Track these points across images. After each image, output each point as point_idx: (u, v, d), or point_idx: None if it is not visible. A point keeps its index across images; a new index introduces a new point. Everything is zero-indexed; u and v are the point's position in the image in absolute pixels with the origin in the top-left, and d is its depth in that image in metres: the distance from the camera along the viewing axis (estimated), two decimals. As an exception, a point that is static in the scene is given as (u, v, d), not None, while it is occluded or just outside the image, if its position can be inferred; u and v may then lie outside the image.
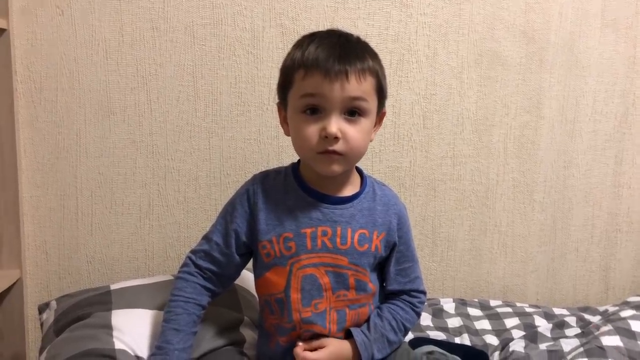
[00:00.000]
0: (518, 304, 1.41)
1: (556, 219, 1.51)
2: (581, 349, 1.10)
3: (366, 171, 1.05)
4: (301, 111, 0.92)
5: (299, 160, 1.02)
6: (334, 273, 0.96)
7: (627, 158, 1.50)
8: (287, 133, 0.99)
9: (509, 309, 1.36)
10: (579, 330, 1.25)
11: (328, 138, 0.89)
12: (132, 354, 0.98)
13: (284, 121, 1.00)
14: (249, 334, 1.10)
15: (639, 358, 1.07)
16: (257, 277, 1.00)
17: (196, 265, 0.99)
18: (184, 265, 1.01)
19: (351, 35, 0.97)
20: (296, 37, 1.32)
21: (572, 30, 1.43)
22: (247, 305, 1.17)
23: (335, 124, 0.89)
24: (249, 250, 1.01)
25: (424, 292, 1.07)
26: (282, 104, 0.99)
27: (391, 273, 1.03)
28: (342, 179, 0.99)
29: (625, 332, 1.13)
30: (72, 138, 1.32)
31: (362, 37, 0.98)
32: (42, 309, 1.20)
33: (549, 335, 1.24)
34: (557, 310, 1.38)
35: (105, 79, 1.31)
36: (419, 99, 1.41)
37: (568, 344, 1.15)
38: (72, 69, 1.30)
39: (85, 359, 0.93)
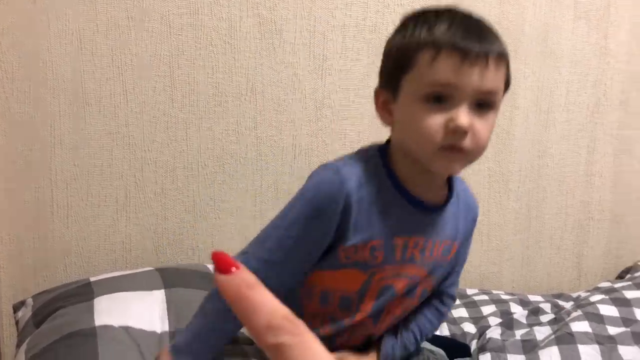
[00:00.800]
0: (494, 292, 1.43)
1: (531, 208, 1.54)
2: (553, 337, 1.13)
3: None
4: (423, 99, 0.77)
5: (385, 145, 0.88)
6: (410, 284, 0.87)
7: (599, 147, 1.54)
8: (386, 122, 0.85)
9: (486, 297, 1.39)
10: (553, 316, 1.28)
11: (457, 132, 0.76)
12: (117, 326, 0.96)
13: (382, 108, 0.85)
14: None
15: (606, 342, 1.10)
16: (321, 269, 0.85)
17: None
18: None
19: (475, 14, 0.82)
20: (273, 27, 1.34)
21: (546, 21, 1.45)
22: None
23: (466, 116, 0.76)
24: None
25: (454, 299, 1.00)
26: (388, 87, 0.83)
27: (451, 277, 0.95)
28: (441, 177, 0.87)
29: (594, 317, 1.17)
30: (46, 129, 1.30)
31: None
32: (18, 307, 1.18)
33: (524, 321, 1.27)
34: (532, 297, 1.41)
35: (79, 69, 1.29)
36: (396, 89, 1.42)
37: (541, 332, 1.18)
38: (45, 59, 1.28)
39: (65, 341, 0.92)
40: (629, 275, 1.45)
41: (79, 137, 1.31)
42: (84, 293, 1.08)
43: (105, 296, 1.06)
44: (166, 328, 1.02)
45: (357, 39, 1.38)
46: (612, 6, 1.45)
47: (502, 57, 0.78)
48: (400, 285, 0.86)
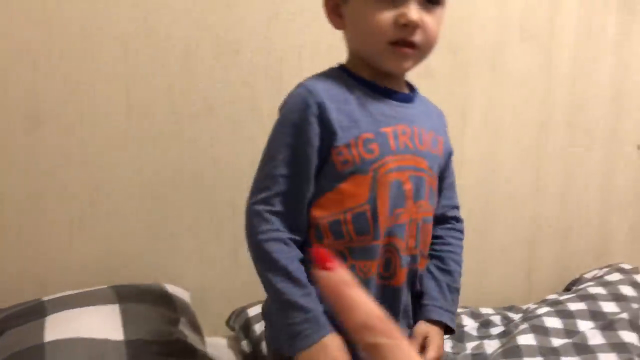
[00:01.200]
0: (447, 305, 1.47)
1: (482, 223, 1.59)
2: (500, 350, 1.17)
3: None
4: None
5: (340, 65, 0.91)
6: (416, 178, 0.84)
7: (547, 164, 1.60)
8: (338, 26, 0.87)
9: (439, 310, 1.42)
10: (502, 329, 1.32)
11: (408, 26, 0.78)
12: (67, 338, 0.96)
13: (332, 12, 0.87)
14: (190, 335, 1.11)
15: (550, 354, 1.14)
16: (323, 193, 0.82)
17: (275, 214, 0.80)
18: (263, 221, 0.81)
19: None
20: (230, 48, 1.36)
21: (494, 42, 1.51)
22: (182, 307, 1.17)
23: (417, 11, 0.78)
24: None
25: (462, 220, 0.98)
26: None
27: (444, 188, 0.93)
28: (400, 79, 0.88)
29: (540, 329, 1.21)
30: (-2, 149, 1.29)
31: None
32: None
33: (475, 334, 1.30)
34: (484, 310, 1.45)
35: (33, 89, 1.29)
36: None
37: (490, 346, 1.22)
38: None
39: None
40: (574, 288, 1.51)
41: (32, 157, 1.30)
42: (35, 312, 1.07)
43: (57, 314, 1.06)
44: (121, 337, 1.01)
45: (313, 60, 1.41)
46: (557, 29, 1.52)
47: None
48: (406, 180, 0.83)
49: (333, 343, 0.76)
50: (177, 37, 1.34)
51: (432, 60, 1.46)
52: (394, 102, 0.85)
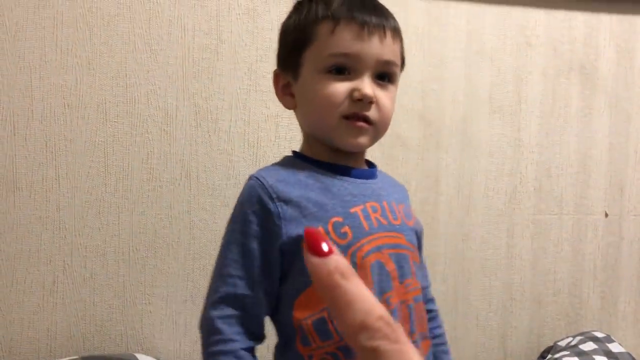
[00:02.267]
0: (423, 373, 1.45)
1: (456, 290, 1.60)
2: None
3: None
4: (325, 71, 0.77)
5: (293, 152, 0.88)
6: (397, 256, 0.78)
7: (518, 231, 1.63)
8: (289, 106, 0.86)
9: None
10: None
11: (362, 101, 0.76)
12: None
13: (282, 92, 0.85)
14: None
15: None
16: (301, 291, 0.76)
17: (227, 318, 0.75)
18: (212, 332, 0.76)
19: None
20: (210, 116, 1.39)
21: (465, 114, 1.57)
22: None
23: (371, 86, 0.77)
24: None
25: (434, 300, 0.95)
26: (287, 69, 0.84)
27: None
28: (359, 156, 0.85)
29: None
30: (-28, 214, 1.28)
31: None
32: None
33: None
34: (460, 378, 1.44)
35: (11, 153, 1.30)
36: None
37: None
38: (-24, 144, 1.28)
39: None
40: (549, 356, 1.51)
41: (6, 222, 1.30)
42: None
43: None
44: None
45: (290, 128, 1.44)
46: (523, 102, 1.59)
47: (397, 32, 0.81)
48: (387, 260, 0.77)
49: None
50: (157, 106, 1.37)
51: (406, 130, 1.52)
52: (358, 180, 0.81)
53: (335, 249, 0.29)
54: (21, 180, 1.30)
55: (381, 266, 0.76)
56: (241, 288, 0.76)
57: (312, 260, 0.29)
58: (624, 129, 1.67)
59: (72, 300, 1.34)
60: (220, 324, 0.75)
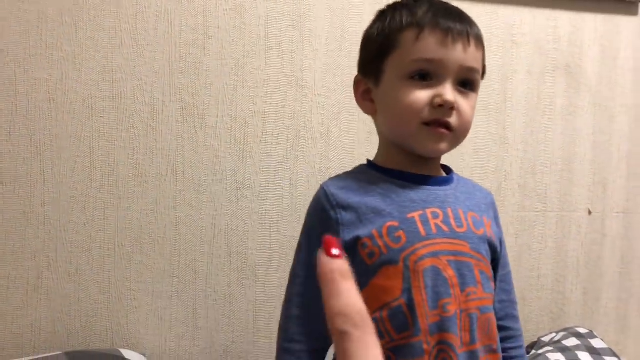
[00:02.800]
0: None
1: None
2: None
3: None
4: (409, 77, 0.79)
5: (368, 161, 0.89)
6: (457, 263, 0.77)
7: (503, 228, 1.64)
8: (368, 111, 0.87)
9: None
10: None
11: (443, 107, 0.77)
12: None
13: (362, 98, 0.87)
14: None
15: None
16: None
17: (292, 319, 0.80)
18: (280, 329, 0.82)
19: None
20: (196, 112, 1.39)
21: (451, 112, 1.58)
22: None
23: (452, 93, 0.77)
24: None
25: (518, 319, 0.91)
26: (369, 75, 0.85)
27: (498, 277, 0.87)
28: (435, 164, 0.86)
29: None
30: (-45, 209, 1.27)
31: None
32: None
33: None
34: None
35: (-5, 148, 1.29)
36: (315, 172, 1.49)
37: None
38: (-41, 138, 1.27)
39: None
40: (533, 352, 1.53)
41: (-10, 217, 1.29)
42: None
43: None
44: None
45: (277, 125, 1.45)
46: (509, 100, 1.60)
47: (480, 40, 0.81)
48: (445, 266, 0.76)
49: None
50: (143, 102, 1.36)
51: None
52: (425, 187, 0.81)
53: (343, 255, 0.36)
54: (5, 175, 1.29)
55: (437, 272, 0.76)
56: (306, 289, 0.81)
57: (322, 258, 0.35)
58: (608, 127, 1.69)
59: (56, 295, 1.34)
60: (286, 323, 0.81)
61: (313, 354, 0.81)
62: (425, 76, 0.78)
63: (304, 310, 0.81)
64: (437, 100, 0.77)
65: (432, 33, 0.77)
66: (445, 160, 0.88)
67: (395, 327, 0.75)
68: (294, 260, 0.84)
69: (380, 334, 0.75)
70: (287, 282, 0.87)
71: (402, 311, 0.75)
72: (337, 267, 0.35)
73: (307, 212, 0.85)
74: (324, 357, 0.84)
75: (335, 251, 0.35)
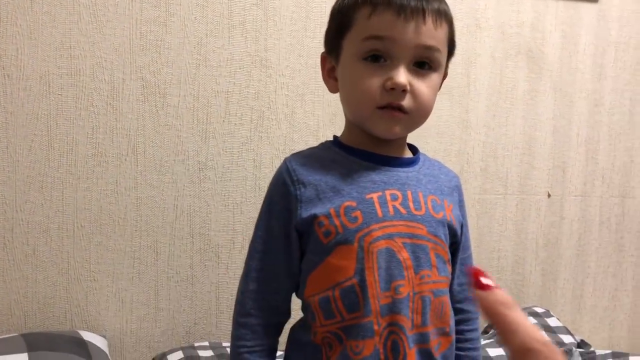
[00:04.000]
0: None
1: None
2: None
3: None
4: (361, 57, 0.77)
5: (335, 137, 0.88)
6: (413, 246, 0.76)
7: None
8: (332, 89, 0.85)
9: None
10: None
11: (395, 90, 0.74)
12: None
13: (328, 75, 0.85)
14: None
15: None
16: (312, 269, 0.79)
17: (249, 293, 0.81)
18: (237, 302, 0.83)
19: None
20: (158, 91, 1.36)
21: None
22: (97, 355, 1.13)
23: (404, 74, 0.75)
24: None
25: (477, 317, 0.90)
26: (332, 53, 0.83)
27: (458, 260, 0.86)
28: (398, 145, 0.84)
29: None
30: None
31: None
32: None
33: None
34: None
35: (-53, 125, 1.24)
36: (279, 153, 1.48)
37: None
38: None
39: None
40: (492, 331, 1.56)
41: (-58, 196, 1.25)
42: None
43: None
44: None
45: (240, 105, 1.43)
46: (472, 84, 1.62)
47: (441, 15, 0.77)
48: (399, 248, 0.76)
49: None
50: (102, 79, 1.33)
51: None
52: (387, 168, 0.80)
53: (495, 283, 0.35)
54: (-42, 153, 1.25)
55: (392, 253, 0.75)
56: (263, 263, 0.81)
57: (478, 293, 0.35)
58: (567, 112, 1.72)
59: (12, 277, 1.31)
60: (243, 297, 0.81)
61: (269, 328, 0.82)
62: (379, 57, 0.76)
63: (261, 284, 0.82)
64: (388, 84, 0.75)
65: (384, 10, 0.75)
66: (408, 142, 0.88)
67: (347, 307, 0.75)
68: (253, 234, 0.84)
69: (332, 314, 0.76)
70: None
71: (354, 291, 0.75)
72: (497, 299, 0.34)
73: (268, 186, 0.85)
74: (280, 331, 0.86)
75: (485, 281, 0.35)
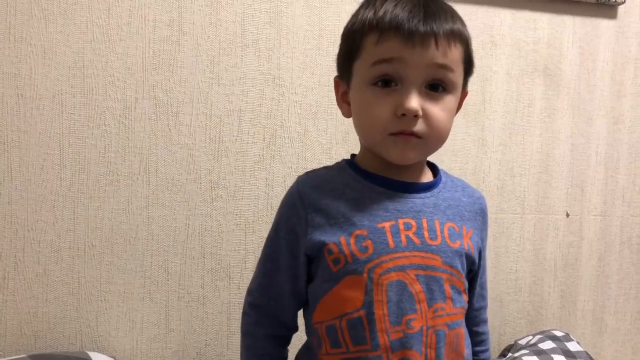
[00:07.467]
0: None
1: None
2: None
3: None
4: (371, 83, 0.74)
5: (352, 156, 0.86)
6: (427, 277, 0.73)
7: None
8: (346, 114, 0.83)
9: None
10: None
11: (406, 116, 0.71)
12: None
13: (342, 100, 0.83)
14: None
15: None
16: (321, 296, 0.77)
17: (255, 307, 0.83)
18: (244, 313, 0.86)
19: None
20: (170, 109, 1.36)
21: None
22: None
23: (416, 99, 0.72)
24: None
25: (485, 323, 0.89)
26: (343, 77, 0.81)
27: (477, 287, 0.84)
28: (416, 168, 0.80)
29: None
30: None
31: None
32: None
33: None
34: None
35: (-40, 144, 1.25)
36: (291, 172, 1.46)
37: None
38: None
39: None
40: (509, 355, 1.52)
41: (-46, 215, 1.25)
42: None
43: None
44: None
45: (253, 123, 1.42)
46: (487, 102, 1.60)
47: (455, 35, 0.74)
48: (412, 281, 0.73)
49: None
50: (115, 98, 1.33)
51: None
52: (402, 195, 0.77)
53: None
54: (-30, 172, 1.26)
55: (403, 286, 0.73)
56: (269, 280, 0.82)
57: None
58: (586, 130, 1.69)
59: (23, 297, 1.30)
60: (249, 309, 0.84)
61: (275, 339, 0.84)
62: (389, 82, 0.74)
63: (267, 300, 0.83)
64: (399, 110, 0.72)
65: (392, 37, 0.72)
66: (430, 160, 0.85)
67: (353, 339, 0.73)
68: (262, 251, 0.85)
69: (338, 343, 0.75)
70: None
71: (360, 323, 0.73)
72: None
73: (279, 205, 0.83)
74: (287, 343, 0.87)
75: None
